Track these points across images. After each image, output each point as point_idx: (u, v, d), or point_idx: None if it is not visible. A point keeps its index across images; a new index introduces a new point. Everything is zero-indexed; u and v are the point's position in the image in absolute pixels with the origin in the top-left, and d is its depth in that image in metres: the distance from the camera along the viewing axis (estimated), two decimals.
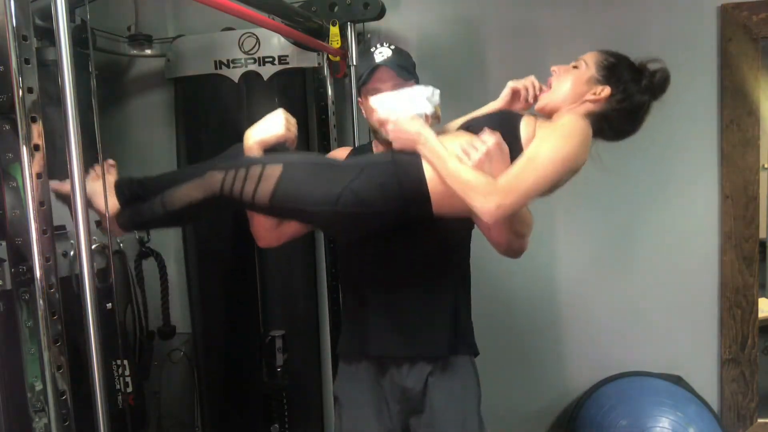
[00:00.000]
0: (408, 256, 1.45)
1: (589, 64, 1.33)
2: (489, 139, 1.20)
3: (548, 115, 1.33)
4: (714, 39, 2.04)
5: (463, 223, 1.35)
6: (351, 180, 1.25)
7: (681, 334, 2.15)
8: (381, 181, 1.26)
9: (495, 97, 2.19)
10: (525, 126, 1.29)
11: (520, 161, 1.18)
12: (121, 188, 1.36)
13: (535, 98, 1.38)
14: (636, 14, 2.09)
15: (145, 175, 1.40)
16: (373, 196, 1.26)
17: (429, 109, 1.34)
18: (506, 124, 1.29)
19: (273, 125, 1.39)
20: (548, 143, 1.20)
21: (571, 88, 1.31)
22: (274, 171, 1.27)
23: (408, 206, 1.28)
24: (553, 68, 1.37)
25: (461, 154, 1.21)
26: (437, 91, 1.38)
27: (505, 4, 2.18)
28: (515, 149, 1.24)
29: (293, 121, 1.42)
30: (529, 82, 1.41)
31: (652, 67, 1.35)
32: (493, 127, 1.25)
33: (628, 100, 1.31)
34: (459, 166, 1.19)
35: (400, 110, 1.33)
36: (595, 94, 1.29)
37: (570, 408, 2.21)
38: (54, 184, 1.15)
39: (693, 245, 2.12)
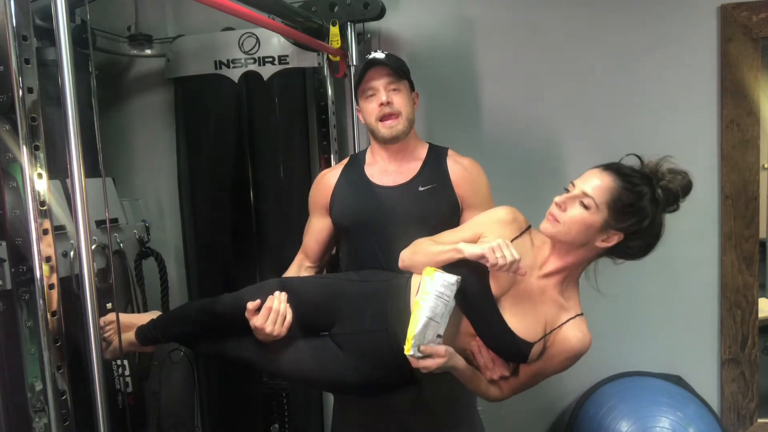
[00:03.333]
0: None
1: (600, 207, 1.21)
2: (504, 372, 1.33)
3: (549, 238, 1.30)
4: (714, 39, 2.04)
5: (483, 287, 1.39)
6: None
7: (681, 334, 2.15)
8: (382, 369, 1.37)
9: (493, 97, 2.21)
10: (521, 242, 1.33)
11: (524, 375, 1.33)
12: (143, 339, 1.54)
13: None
14: (636, 14, 2.09)
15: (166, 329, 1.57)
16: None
17: (452, 305, 1.26)
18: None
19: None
20: (553, 365, 1.31)
21: (580, 232, 1.23)
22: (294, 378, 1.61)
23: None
24: (557, 200, 1.25)
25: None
26: (455, 283, 1.25)
27: (505, 5, 2.17)
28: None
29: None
30: (500, 252, 1.21)
31: (673, 183, 1.24)
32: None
33: (642, 239, 1.25)
34: (472, 379, 1.33)
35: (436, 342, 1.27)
36: (605, 240, 1.24)
37: (570, 408, 2.21)
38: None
39: (693, 245, 2.12)
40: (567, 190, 1.25)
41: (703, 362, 2.14)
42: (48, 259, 1.07)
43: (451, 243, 1.32)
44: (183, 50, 2.23)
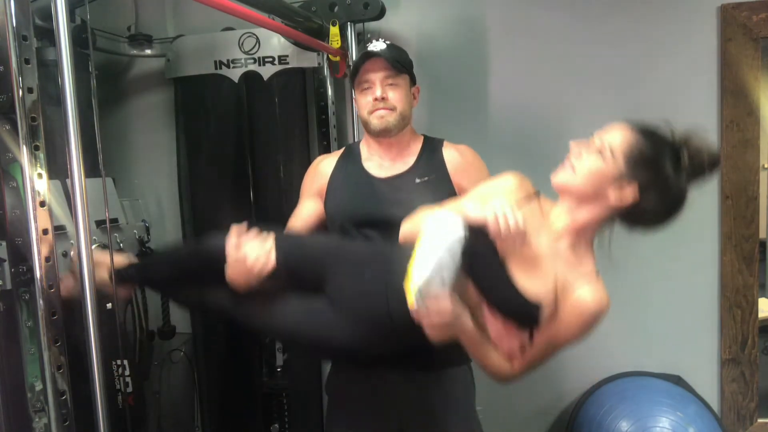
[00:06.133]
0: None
1: (616, 155, 1.14)
2: (516, 342, 1.21)
3: (559, 193, 1.22)
4: (714, 39, 2.04)
5: (488, 248, 1.30)
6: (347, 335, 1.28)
7: (681, 334, 2.15)
8: (376, 333, 1.27)
9: (495, 97, 2.21)
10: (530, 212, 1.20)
11: (538, 344, 1.19)
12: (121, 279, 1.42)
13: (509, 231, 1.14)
14: (636, 14, 2.09)
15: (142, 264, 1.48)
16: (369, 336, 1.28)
17: (458, 255, 1.12)
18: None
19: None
20: (570, 331, 1.18)
21: (592, 182, 1.15)
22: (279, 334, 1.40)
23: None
24: (573, 143, 1.19)
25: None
26: (460, 224, 1.13)
27: (505, 5, 2.17)
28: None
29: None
30: (502, 213, 1.12)
31: (694, 148, 1.16)
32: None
33: (664, 196, 1.14)
34: (481, 348, 1.21)
35: (445, 296, 1.12)
36: (620, 199, 1.14)
37: (570, 408, 2.21)
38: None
39: (693, 245, 2.12)
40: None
41: (703, 362, 2.14)
42: (48, 259, 1.07)
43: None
44: (183, 50, 2.23)
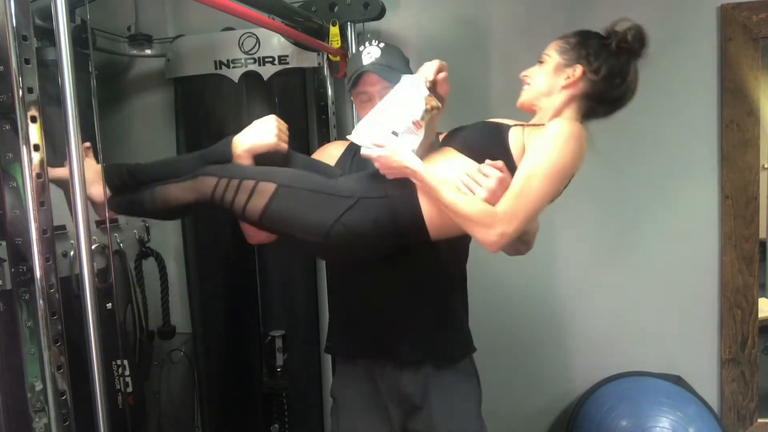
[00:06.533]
0: (406, 262, 1.41)
1: (551, 55, 1.32)
2: (493, 173, 1.17)
3: (530, 111, 1.32)
4: (714, 39, 2.04)
5: (462, 238, 1.32)
6: (344, 212, 1.23)
7: (681, 334, 2.15)
8: (374, 215, 1.23)
9: (494, 98, 2.21)
10: (514, 138, 1.24)
11: (517, 182, 1.15)
12: (110, 176, 1.36)
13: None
14: (637, 14, 2.08)
15: (135, 164, 1.41)
16: (367, 230, 1.23)
17: (419, 112, 1.24)
18: (494, 138, 1.25)
19: (264, 133, 1.36)
20: (542, 157, 1.15)
21: (544, 81, 1.30)
22: (267, 189, 1.26)
23: (403, 238, 1.27)
24: (523, 74, 1.36)
25: (463, 189, 1.19)
26: (419, 81, 1.28)
27: (505, 4, 2.18)
28: (508, 165, 1.20)
29: (285, 127, 1.39)
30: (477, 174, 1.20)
31: (620, 27, 1.31)
32: (481, 141, 1.26)
33: (604, 66, 1.26)
34: (456, 199, 1.15)
35: (384, 135, 1.23)
36: (568, 77, 1.27)
37: (570, 408, 2.21)
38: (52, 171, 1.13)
39: (693, 245, 2.12)
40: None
41: (703, 362, 2.14)
42: (48, 259, 1.07)
43: None
44: (183, 50, 2.23)
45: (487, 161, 1.20)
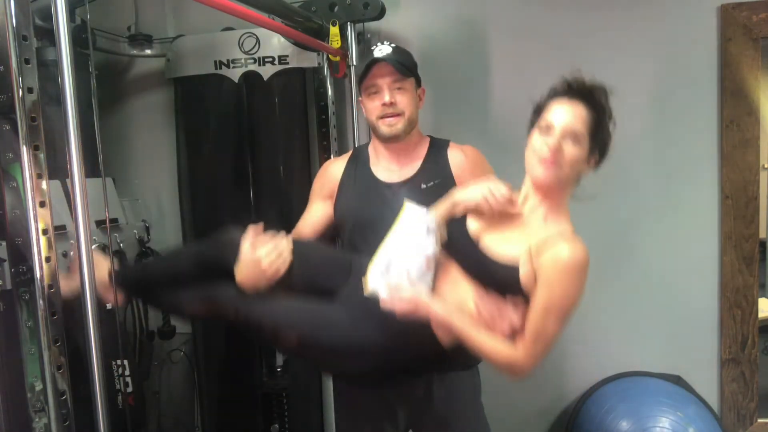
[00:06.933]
0: None
1: (587, 137, 1.23)
2: (513, 317, 1.19)
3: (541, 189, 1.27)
4: (714, 39, 2.04)
5: (461, 233, 1.37)
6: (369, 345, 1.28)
7: (681, 334, 2.15)
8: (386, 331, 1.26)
9: (494, 97, 2.21)
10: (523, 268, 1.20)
11: (535, 321, 1.17)
12: (123, 279, 1.41)
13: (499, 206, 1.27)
14: (637, 14, 2.09)
15: (141, 267, 1.51)
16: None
17: (430, 249, 1.22)
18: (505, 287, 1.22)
19: (256, 274, 1.29)
20: (558, 295, 1.16)
21: (575, 170, 1.24)
22: (288, 336, 1.31)
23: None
24: (551, 146, 1.22)
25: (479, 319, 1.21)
26: (429, 218, 1.25)
27: (505, 4, 2.17)
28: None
29: (278, 252, 1.31)
30: (488, 191, 1.27)
31: (605, 91, 1.26)
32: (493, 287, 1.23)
33: (608, 140, 1.28)
34: (476, 336, 1.19)
35: (400, 280, 1.21)
36: (592, 167, 1.27)
37: (570, 408, 2.21)
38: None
39: (693, 245, 2.12)
40: (544, 131, 1.23)
41: (703, 362, 2.14)
42: (48, 259, 1.07)
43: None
44: (183, 50, 2.23)
45: (509, 300, 1.21)
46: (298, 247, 1.36)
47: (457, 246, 1.28)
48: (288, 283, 1.31)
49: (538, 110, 1.31)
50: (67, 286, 1.17)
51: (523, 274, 1.17)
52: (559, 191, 1.26)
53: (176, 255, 1.57)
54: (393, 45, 1.55)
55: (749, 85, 2.01)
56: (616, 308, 2.21)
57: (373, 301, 1.23)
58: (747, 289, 2.08)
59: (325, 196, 1.66)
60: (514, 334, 1.19)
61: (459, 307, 1.23)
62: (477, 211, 1.30)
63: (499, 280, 1.20)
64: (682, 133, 2.09)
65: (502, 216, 1.28)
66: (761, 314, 2.11)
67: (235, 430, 2.30)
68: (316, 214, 1.66)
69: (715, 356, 2.14)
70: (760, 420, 2.13)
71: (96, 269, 1.18)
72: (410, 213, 1.23)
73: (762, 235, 2.10)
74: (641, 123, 2.09)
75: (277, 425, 2.26)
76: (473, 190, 1.30)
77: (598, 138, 1.24)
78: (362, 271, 1.30)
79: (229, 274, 1.31)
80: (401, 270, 1.19)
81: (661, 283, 2.15)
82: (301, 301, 1.33)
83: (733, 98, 2.03)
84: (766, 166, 2.15)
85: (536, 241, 1.19)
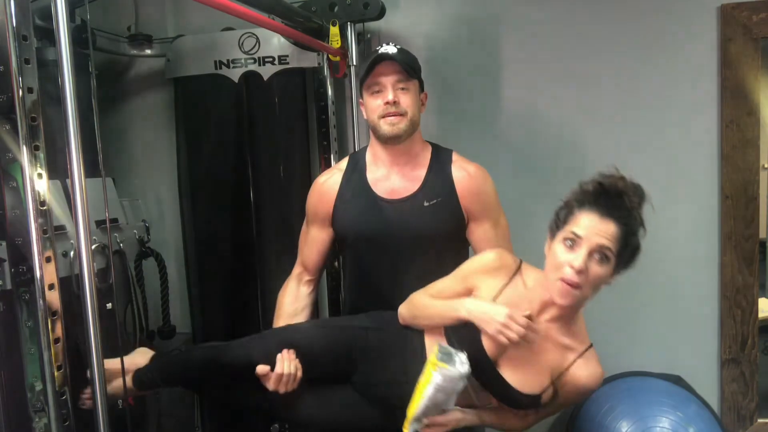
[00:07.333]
0: (416, 271, 1.48)
1: (613, 255, 1.18)
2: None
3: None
4: (714, 39, 2.04)
5: (461, 242, 1.44)
6: None
7: (681, 334, 2.15)
8: None
9: (495, 97, 2.21)
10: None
11: (547, 411, 1.33)
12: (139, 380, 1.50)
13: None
14: (636, 14, 2.09)
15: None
16: None
17: (461, 384, 1.22)
18: None
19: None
20: (572, 400, 1.33)
21: (598, 286, 1.23)
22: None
23: None
24: (577, 267, 1.17)
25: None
26: (465, 371, 1.20)
27: (505, 5, 2.17)
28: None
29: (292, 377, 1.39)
30: (508, 329, 1.19)
31: (641, 201, 1.22)
32: None
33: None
34: (503, 424, 1.34)
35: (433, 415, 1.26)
36: (611, 281, 1.23)
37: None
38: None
39: (693, 245, 2.12)
40: (568, 244, 1.17)
41: (703, 362, 2.14)
42: (48, 259, 1.07)
43: (448, 300, 1.31)
44: (183, 50, 2.23)
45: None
46: (302, 352, 1.40)
47: (475, 366, 1.21)
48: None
49: (565, 214, 1.23)
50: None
51: (545, 399, 1.27)
52: (577, 305, 1.25)
53: (194, 361, 1.58)
54: (398, 46, 1.52)
55: (749, 85, 2.01)
56: (616, 308, 2.20)
57: (391, 388, 1.32)
58: (747, 289, 2.08)
59: (322, 219, 1.62)
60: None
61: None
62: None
63: (519, 403, 1.27)
64: (682, 133, 2.09)
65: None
66: (761, 314, 2.11)
67: (235, 429, 2.30)
68: (318, 238, 1.64)
69: (715, 356, 2.14)
70: (760, 420, 2.13)
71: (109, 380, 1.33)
72: (443, 370, 1.18)
73: (762, 235, 2.10)
74: (641, 123, 2.09)
75: (277, 425, 2.26)
76: (487, 318, 1.21)
77: (626, 253, 1.19)
78: (371, 353, 1.37)
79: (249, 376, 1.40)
80: (437, 411, 1.25)
81: (661, 283, 2.15)
82: (320, 397, 1.43)
83: (733, 98, 2.03)
84: (766, 166, 2.15)
85: (557, 368, 1.27)
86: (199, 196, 2.30)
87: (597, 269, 1.16)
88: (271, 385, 1.36)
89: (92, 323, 1.09)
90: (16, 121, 1.02)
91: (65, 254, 1.57)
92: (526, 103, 2.18)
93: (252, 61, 2.16)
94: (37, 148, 1.05)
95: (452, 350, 1.20)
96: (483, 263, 1.34)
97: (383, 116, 1.49)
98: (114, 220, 1.99)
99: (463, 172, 1.55)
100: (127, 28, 2.33)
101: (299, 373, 1.37)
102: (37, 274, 1.06)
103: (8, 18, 1.01)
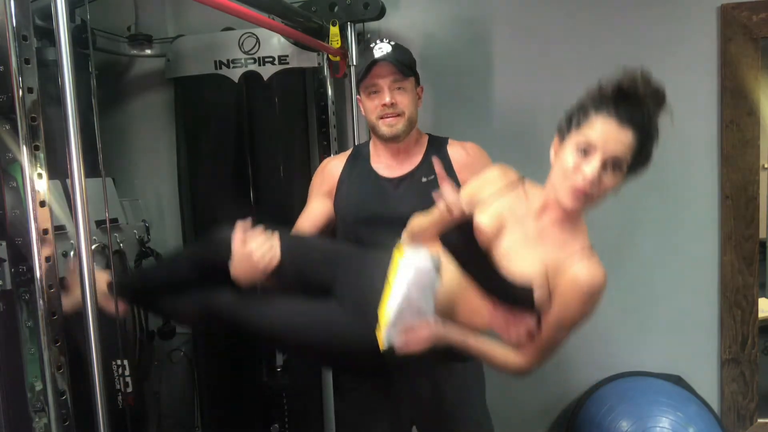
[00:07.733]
0: None
1: (626, 164, 1.14)
2: (530, 323, 1.17)
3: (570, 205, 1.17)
4: (714, 39, 2.04)
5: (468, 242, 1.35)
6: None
7: (681, 334, 2.15)
8: None
9: (495, 97, 2.21)
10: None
11: (546, 330, 1.16)
12: (121, 290, 1.40)
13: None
14: (636, 14, 2.09)
15: (140, 275, 1.53)
16: None
17: (436, 283, 1.19)
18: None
19: (248, 269, 1.29)
20: (573, 311, 1.16)
21: (609, 195, 1.17)
22: (286, 337, 1.32)
23: None
24: (590, 177, 1.12)
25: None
26: (432, 259, 1.19)
27: (505, 4, 2.17)
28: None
29: (265, 247, 1.31)
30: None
31: (661, 104, 1.20)
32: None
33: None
34: (487, 350, 1.22)
35: (410, 319, 1.18)
36: (619, 185, 1.17)
37: (570, 408, 2.21)
38: None
39: (693, 245, 2.12)
40: (581, 150, 1.12)
41: (703, 362, 2.14)
42: (48, 259, 1.07)
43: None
44: (183, 50, 2.23)
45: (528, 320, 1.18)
46: (287, 239, 1.36)
47: (466, 261, 1.15)
48: (279, 276, 1.32)
49: (578, 117, 1.17)
50: (67, 301, 1.18)
51: (538, 296, 1.13)
52: (583, 210, 1.20)
53: (173, 260, 1.58)
54: (392, 43, 1.54)
55: (749, 85, 2.01)
56: (616, 308, 2.20)
57: (367, 300, 1.22)
58: (747, 289, 2.08)
59: (325, 192, 1.66)
60: (528, 338, 1.18)
61: (474, 312, 1.21)
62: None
63: (513, 299, 1.16)
64: (682, 133, 2.08)
65: (517, 221, 1.22)
66: (761, 314, 2.11)
67: (235, 430, 2.30)
68: (316, 210, 1.66)
69: (715, 356, 2.14)
70: (760, 420, 2.13)
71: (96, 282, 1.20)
72: (410, 260, 1.16)
73: (762, 235, 2.10)
74: None
75: (277, 425, 2.26)
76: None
77: (639, 160, 1.15)
78: (352, 263, 1.31)
79: (225, 276, 1.31)
80: (412, 313, 1.18)
81: (661, 284, 2.15)
82: (296, 302, 1.33)
83: (733, 98, 2.03)
84: (766, 166, 2.15)
85: (553, 261, 1.16)
86: (199, 196, 2.30)
87: (609, 178, 1.12)
88: (248, 244, 1.28)
89: (92, 323, 1.09)
90: (16, 121, 1.03)
91: (65, 254, 1.57)
92: (525, 103, 2.18)
93: (252, 61, 2.16)
94: (37, 148, 1.05)
95: (420, 248, 1.17)
96: (486, 175, 1.32)
97: (381, 117, 1.53)
98: (114, 220, 2.00)
99: (459, 149, 1.61)
100: (127, 28, 2.33)
101: (276, 253, 1.30)
102: (37, 274, 1.06)
103: (8, 18, 1.01)
